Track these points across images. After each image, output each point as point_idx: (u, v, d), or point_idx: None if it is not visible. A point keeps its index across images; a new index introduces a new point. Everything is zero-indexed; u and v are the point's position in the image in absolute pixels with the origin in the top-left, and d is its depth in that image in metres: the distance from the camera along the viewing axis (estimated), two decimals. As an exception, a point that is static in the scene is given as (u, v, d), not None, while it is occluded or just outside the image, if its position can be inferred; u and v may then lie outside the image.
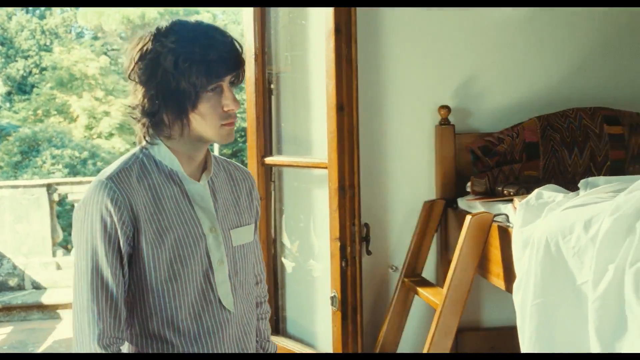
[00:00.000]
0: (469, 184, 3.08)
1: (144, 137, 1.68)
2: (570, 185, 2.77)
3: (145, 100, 1.62)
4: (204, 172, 1.74)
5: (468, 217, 2.67)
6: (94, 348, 1.57)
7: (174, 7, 19.06)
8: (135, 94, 1.65)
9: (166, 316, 1.66)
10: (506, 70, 3.29)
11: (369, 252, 3.12)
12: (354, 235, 2.95)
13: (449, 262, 2.81)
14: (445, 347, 2.72)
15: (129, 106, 1.67)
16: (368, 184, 3.20)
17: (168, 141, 1.67)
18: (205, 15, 20.63)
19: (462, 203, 3.09)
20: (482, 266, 2.75)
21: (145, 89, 1.62)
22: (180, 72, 1.58)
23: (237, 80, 1.69)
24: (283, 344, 3.36)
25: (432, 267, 3.32)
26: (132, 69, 1.63)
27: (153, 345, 1.67)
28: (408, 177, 3.28)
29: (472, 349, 3.31)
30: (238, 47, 1.66)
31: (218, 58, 1.60)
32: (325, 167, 2.97)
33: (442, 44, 3.25)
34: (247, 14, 3.35)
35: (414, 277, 3.17)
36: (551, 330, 2.13)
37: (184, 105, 1.61)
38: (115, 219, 1.58)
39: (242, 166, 1.91)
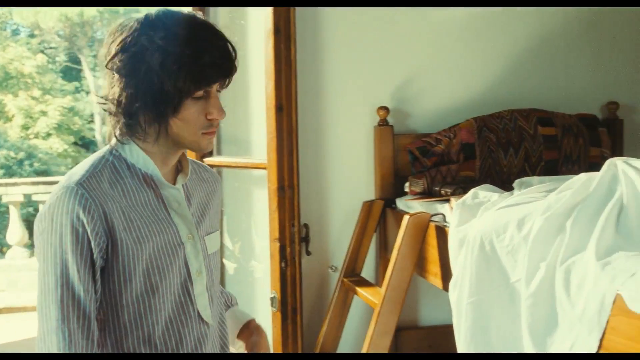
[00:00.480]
0: (407, 184, 3.11)
1: (115, 135, 1.53)
2: (505, 185, 2.82)
3: (123, 96, 1.47)
4: (178, 175, 1.61)
5: (406, 217, 2.70)
6: None
7: (114, 7, 18.77)
8: (111, 86, 1.49)
9: (142, 333, 1.51)
10: (443, 71, 3.33)
11: (308, 253, 3.13)
12: (294, 236, 2.95)
13: (388, 261, 2.84)
14: (384, 346, 2.74)
15: (102, 97, 1.52)
16: (307, 184, 3.21)
17: (141, 142, 1.53)
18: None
19: (400, 203, 3.12)
20: (420, 265, 2.78)
21: (124, 84, 1.46)
22: (167, 74, 1.44)
23: (225, 85, 1.56)
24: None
25: (371, 267, 3.34)
26: (112, 59, 1.47)
27: None
28: (347, 177, 3.30)
29: (411, 348, 3.35)
30: (232, 51, 1.52)
31: (210, 63, 1.46)
32: (265, 168, 2.96)
33: (381, 45, 3.28)
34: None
35: (353, 277, 3.19)
36: (486, 327, 2.17)
37: (165, 109, 1.46)
38: (88, 229, 1.42)
39: (209, 167, 1.78)
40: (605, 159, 2.11)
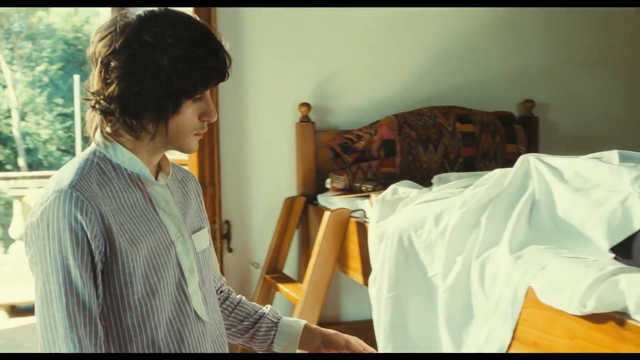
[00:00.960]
0: (328, 180, 3.12)
1: (103, 134, 1.47)
2: (425, 181, 2.87)
3: (125, 94, 1.41)
4: (158, 174, 1.57)
5: (327, 213, 2.71)
6: None
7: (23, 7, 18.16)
8: (105, 83, 1.42)
9: (147, 337, 1.46)
10: (365, 69, 3.36)
11: (230, 250, 3.11)
12: (215, 233, 2.93)
13: (310, 257, 2.84)
14: (305, 342, 2.75)
15: (93, 93, 1.44)
16: (229, 181, 3.18)
17: (131, 142, 1.47)
18: (62, 10, 19.80)
19: (322, 199, 3.13)
20: (341, 261, 2.79)
21: (128, 82, 1.41)
22: (176, 75, 1.41)
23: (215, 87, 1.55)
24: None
25: (293, 263, 3.34)
26: (109, 55, 1.41)
27: None
28: (269, 174, 3.29)
29: (333, 343, 3.36)
30: (227, 58, 1.50)
31: (216, 67, 1.45)
32: (186, 164, 2.93)
33: (303, 43, 3.28)
34: (104, 14, 3.26)
35: (275, 273, 3.19)
36: (405, 321, 2.20)
37: (167, 109, 1.43)
38: (87, 231, 1.36)
39: (181, 166, 1.75)
40: (521, 155, 2.16)
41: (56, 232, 1.37)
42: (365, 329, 3.26)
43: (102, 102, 1.44)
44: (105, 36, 1.43)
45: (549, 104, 3.66)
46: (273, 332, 1.73)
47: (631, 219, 1.64)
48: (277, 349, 1.75)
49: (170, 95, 1.42)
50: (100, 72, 1.44)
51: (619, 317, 1.46)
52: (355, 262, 2.69)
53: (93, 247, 1.37)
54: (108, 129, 1.46)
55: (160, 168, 1.57)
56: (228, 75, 1.50)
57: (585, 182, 1.85)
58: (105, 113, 1.45)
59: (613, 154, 1.90)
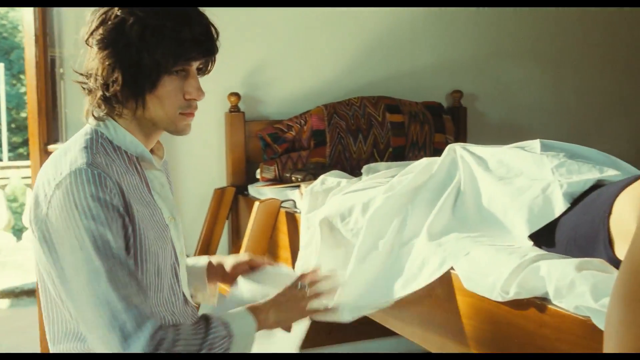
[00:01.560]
0: (258, 170, 3.11)
1: (92, 113, 1.48)
2: (354, 170, 2.88)
3: (100, 69, 1.42)
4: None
5: (256, 204, 2.69)
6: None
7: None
8: (90, 62, 1.44)
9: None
10: (295, 58, 3.35)
11: (159, 241, 3.06)
12: (143, 224, 2.87)
13: (240, 248, 2.82)
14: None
15: (82, 74, 1.47)
16: (158, 171, 3.13)
17: (120, 120, 1.48)
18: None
19: (252, 190, 3.12)
20: (271, 251, 2.78)
21: (103, 56, 1.42)
22: (145, 46, 1.40)
23: (206, 68, 1.54)
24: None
25: (224, 254, 3.31)
26: (91, 34, 1.43)
27: None
28: (199, 164, 3.25)
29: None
30: (214, 31, 1.50)
31: (191, 38, 1.44)
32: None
33: (232, 31, 3.25)
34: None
35: (205, 264, 3.15)
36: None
37: (143, 83, 1.43)
38: (117, 206, 1.37)
39: None
40: (449, 144, 2.19)
41: (87, 209, 1.34)
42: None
43: (88, 80, 1.46)
44: (90, 19, 1.46)
45: (476, 95, 3.72)
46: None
47: (552, 207, 1.68)
48: (193, 291, 1.79)
49: (144, 68, 1.42)
50: (85, 54, 1.46)
51: (540, 303, 1.49)
52: (285, 252, 2.68)
53: (122, 221, 1.38)
54: (100, 111, 1.47)
55: (152, 152, 1.58)
56: (214, 51, 1.50)
57: (509, 171, 1.88)
58: (91, 92, 1.46)
59: (535, 143, 1.93)
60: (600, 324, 1.31)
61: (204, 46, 1.48)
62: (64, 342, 1.48)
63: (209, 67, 1.56)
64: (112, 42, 1.42)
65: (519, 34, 3.77)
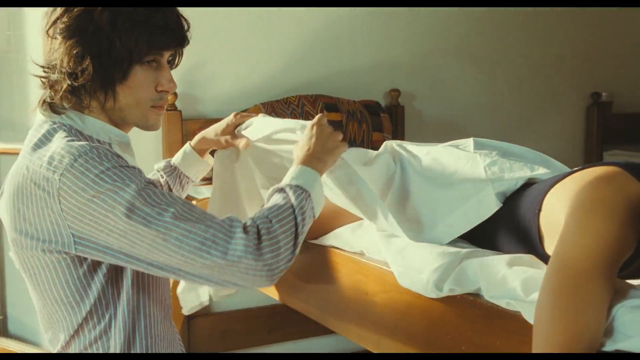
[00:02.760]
0: (196, 169, 3.07)
1: (51, 107, 1.42)
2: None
3: (66, 59, 1.36)
4: None
5: (193, 203, 2.66)
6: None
7: None
8: (52, 53, 1.38)
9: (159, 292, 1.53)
10: (232, 56, 3.33)
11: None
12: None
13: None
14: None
15: (42, 66, 1.41)
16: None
17: (87, 113, 1.42)
18: None
19: (190, 189, 3.07)
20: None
21: (70, 45, 1.35)
22: (117, 33, 1.35)
23: (175, 61, 1.51)
24: (2, 345, 3.14)
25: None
26: (54, 23, 1.37)
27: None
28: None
29: (204, 334, 3.32)
30: (184, 22, 1.47)
31: (164, 25, 1.40)
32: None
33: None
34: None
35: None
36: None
37: (113, 72, 1.37)
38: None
39: None
40: (385, 142, 2.20)
41: (113, 175, 1.30)
42: (237, 318, 3.28)
43: (49, 72, 1.40)
44: (49, 10, 1.41)
45: (414, 93, 3.76)
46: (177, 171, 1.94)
47: (485, 206, 1.70)
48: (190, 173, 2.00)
49: (116, 56, 1.37)
50: (46, 45, 1.40)
51: (472, 299, 1.51)
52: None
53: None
54: (66, 104, 1.41)
55: None
56: (186, 41, 1.48)
57: (443, 169, 1.90)
58: (52, 84, 1.40)
59: (469, 142, 1.96)
60: (530, 318, 1.33)
61: (177, 34, 1.46)
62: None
63: (177, 61, 1.54)
64: (80, 29, 1.37)
65: (455, 33, 3.82)
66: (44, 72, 1.43)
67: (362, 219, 1.95)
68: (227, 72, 3.32)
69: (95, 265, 1.40)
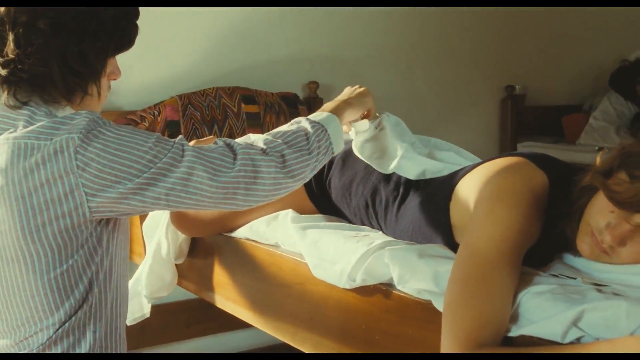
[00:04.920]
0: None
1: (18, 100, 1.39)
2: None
3: (61, 51, 1.36)
4: None
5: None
6: None
7: None
8: (26, 47, 1.35)
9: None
10: (148, 48, 3.25)
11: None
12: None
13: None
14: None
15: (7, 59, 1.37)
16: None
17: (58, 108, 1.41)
18: None
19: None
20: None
21: (52, 43, 1.35)
22: (119, 28, 1.47)
23: None
24: None
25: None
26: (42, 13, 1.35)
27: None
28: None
29: (136, 327, 3.25)
30: None
31: (135, 25, 1.55)
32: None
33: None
34: None
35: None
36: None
37: (99, 67, 1.44)
38: None
39: None
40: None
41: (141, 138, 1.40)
42: (154, 314, 3.21)
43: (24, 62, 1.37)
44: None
45: (333, 86, 3.77)
46: None
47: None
48: None
49: (102, 50, 1.43)
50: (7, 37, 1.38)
51: (385, 289, 1.53)
52: (139, 247, 2.61)
53: None
54: (37, 98, 1.41)
55: None
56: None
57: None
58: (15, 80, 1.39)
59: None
60: (440, 307, 1.35)
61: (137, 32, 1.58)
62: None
63: None
64: (82, 19, 1.40)
65: (374, 27, 3.85)
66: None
67: (277, 210, 1.96)
68: (143, 64, 3.25)
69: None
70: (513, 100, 4.31)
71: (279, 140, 1.51)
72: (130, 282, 2.31)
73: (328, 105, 1.74)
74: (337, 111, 1.70)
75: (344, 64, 3.79)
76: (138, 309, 2.31)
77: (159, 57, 3.28)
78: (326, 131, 1.60)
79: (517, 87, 4.33)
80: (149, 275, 2.22)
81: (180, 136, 1.48)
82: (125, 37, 1.50)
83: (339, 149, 1.65)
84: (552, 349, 1.15)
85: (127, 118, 3.05)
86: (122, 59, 3.13)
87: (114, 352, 1.50)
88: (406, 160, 1.79)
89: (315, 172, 1.59)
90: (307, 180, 1.59)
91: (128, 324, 2.30)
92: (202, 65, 3.35)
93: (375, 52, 3.88)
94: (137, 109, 3.13)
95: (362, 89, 1.94)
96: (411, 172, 1.77)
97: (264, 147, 1.49)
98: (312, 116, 1.65)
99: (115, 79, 1.54)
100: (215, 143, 1.49)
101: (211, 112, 3.11)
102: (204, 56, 3.37)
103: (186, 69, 3.32)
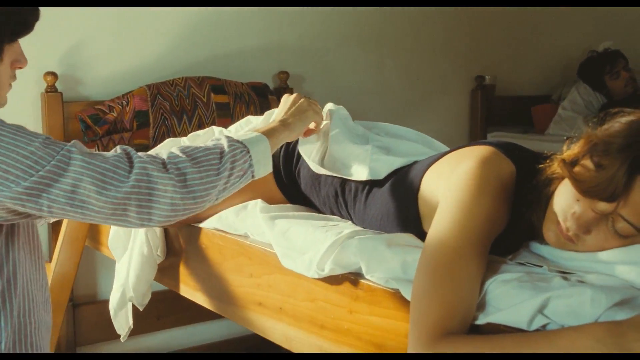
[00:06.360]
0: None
1: None
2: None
3: None
4: None
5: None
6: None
7: None
8: None
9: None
10: (116, 37, 3.22)
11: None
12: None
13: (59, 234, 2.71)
14: (56, 323, 2.62)
15: None
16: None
17: None
18: None
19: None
20: (92, 237, 2.69)
21: None
22: (12, 12, 1.37)
23: None
24: None
25: (44, 244, 3.16)
26: None
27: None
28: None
29: (91, 322, 3.23)
30: None
31: (33, 9, 1.43)
32: None
33: (46, 6, 3.08)
34: None
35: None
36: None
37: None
38: None
39: None
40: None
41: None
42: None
43: None
44: None
45: (303, 76, 3.76)
46: None
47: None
48: None
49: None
50: None
51: (354, 278, 1.53)
52: (106, 238, 2.59)
53: None
54: None
55: None
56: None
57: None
58: None
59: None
60: (408, 295, 1.36)
61: (37, 12, 1.48)
62: None
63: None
64: None
65: (344, 16, 3.84)
66: None
67: (245, 200, 1.95)
68: (110, 53, 3.21)
69: None
70: (483, 91, 4.33)
71: (184, 157, 1.40)
72: (115, 295, 2.28)
73: (263, 126, 1.69)
74: (270, 133, 1.63)
75: (314, 54, 3.78)
76: (125, 320, 2.29)
77: (128, 47, 3.24)
78: (248, 152, 1.51)
79: (487, 77, 4.35)
80: (135, 284, 2.19)
81: (74, 140, 1.36)
82: (21, 22, 1.39)
83: (264, 172, 1.57)
84: (519, 337, 1.15)
85: (95, 108, 3.02)
86: (90, 48, 3.13)
87: None
88: (375, 163, 1.78)
89: (227, 194, 1.49)
90: (217, 203, 1.51)
91: (121, 341, 2.30)
92: (171, 55, 3.32)
93: (346, 42, 3.87)
94: (105, 99, 3.09)
95: (300, 100, 1.84)
96: (382, 173, 1.76)
97: (166, 161, 1.39)
98: (239, 135, 1.58)
99: (21, 67, 1.45)
100: (115, 150, 1.39)
101: (180, 102, 3.09)
102: (173, 46, 3.34)
103: (155, 58, 3.29)
